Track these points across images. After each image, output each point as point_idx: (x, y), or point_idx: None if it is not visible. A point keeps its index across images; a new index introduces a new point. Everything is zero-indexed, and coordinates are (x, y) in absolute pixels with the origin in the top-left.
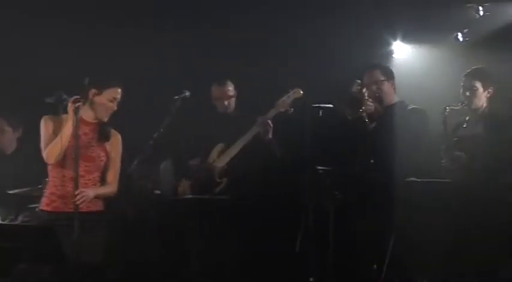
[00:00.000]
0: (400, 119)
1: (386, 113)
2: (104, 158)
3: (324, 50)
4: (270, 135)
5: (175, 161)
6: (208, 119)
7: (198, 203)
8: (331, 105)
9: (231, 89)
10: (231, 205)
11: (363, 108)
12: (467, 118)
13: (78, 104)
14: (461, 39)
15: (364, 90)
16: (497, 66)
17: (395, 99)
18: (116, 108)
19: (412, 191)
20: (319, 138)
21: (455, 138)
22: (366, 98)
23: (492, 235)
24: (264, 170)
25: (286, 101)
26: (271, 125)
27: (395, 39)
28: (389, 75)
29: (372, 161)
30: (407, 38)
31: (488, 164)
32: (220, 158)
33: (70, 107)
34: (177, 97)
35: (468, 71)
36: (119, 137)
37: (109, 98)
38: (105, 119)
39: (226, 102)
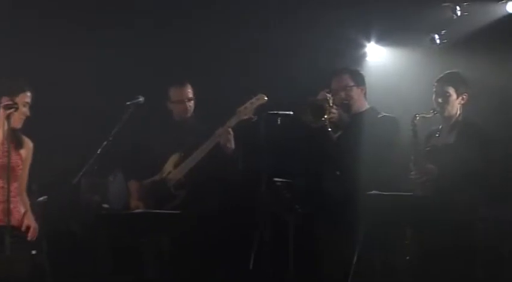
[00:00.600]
0: (370, 127)
1: (354, 121)
2: (21, 167)
3: (290, 52)
4: (232, 145)
5: (126, 172)
6: (163, 126)
7: (151, 218)
8: (290, 113)
9: (190, 91)
10: (186, 221)
11: (325, 116)
12: (440, 127)
13: (10, 111)
14: (438, 41)
15: (329, 96)
16: (476, 70)
17: (365, 106)
18: (28, 113)
19: (374, 204)
20: (278, 148)
21: (428, 148)
22: (331, 105)
23: (457, 252)
24: (224, 183)
25: (248, 108)
26: (232, 134)
27: (368, 41)
28: (359, 80)
29: (338, 172)
30: (381, 40)
31: (458, 178)
32: (176, 170)
33: (2, 114)
34: (129, 103)
35: (440, 76)
36: (31, 145)
37: (22, 103)
38: (19, 126)
39: (185, 106)
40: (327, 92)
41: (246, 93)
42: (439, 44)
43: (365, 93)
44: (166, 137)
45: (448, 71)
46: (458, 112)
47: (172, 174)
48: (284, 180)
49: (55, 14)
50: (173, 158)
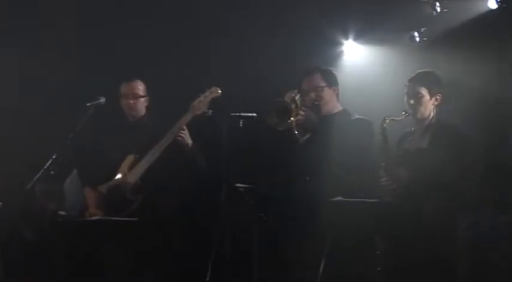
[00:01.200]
0: (341, 130)
1: (325, 123)
2: None
3: (260, 51)
4: (189, 142)
5: (82, 177)
6: (117, 128)
7: (107, 226)
8: (254, 114)
9: (141, 88)
10: (142, 228)
11: (292, 118)
12: (412, 129)
13: None
14: (417, 39)
15: (297, 97)
16: (457, 69)
17: (337, 108)
18: None
19: (339, 212)
20: (240, 151)
21: (400, 153)
22: (299, 106)
23: (432, 264)
24: (183, 184)
25: (202, 102)
26: (186, 130)
27: (346, 39)
28: (331, 80)
29: (307, 178)
30: (359, 38)
31: (432, 184)
32: (131, 172)
33: None
34: (89, 104)
35: (412, 75)
36: None
37: None
38: None
39: (134, 102)
40: (295, 93)
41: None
42: (419, 41)
43: (337, 94)
44: (119, 139)
45: (420, 70)
46: (432, 114)
47: (128, 178)
48: (247, 186)
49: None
50: (128, 161)
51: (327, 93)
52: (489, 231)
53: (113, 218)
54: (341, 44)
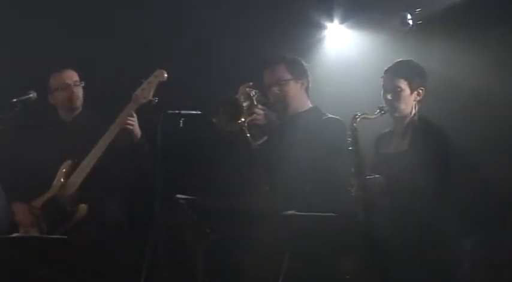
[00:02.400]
0: (309, 132)
1: (289, 123)
2: None
3: (218, 34)
4: (139, 133)
5: (8, 190)
6: (51, 127)
7: (35, 244)
8: (197, 112)
9: (74, 78)
10: (74, 246)
11: (242, 118)
12: (391, 129)
13: None
14: (410, 22)
15: (253, 93)
16: (458, 57)
17: (306, 105)
18: None
19: (293, 228)
20: (181, 156)
21: (377, 157)
22: (254, 103)
23: None
24: (133, 189)
25: (146, 89)
26: (135, 118)
27: (329, 21)
28: (298, 72)
29: (267, 188)
30: (345, 20)
31: (412, 194)
32: (70, 180)
33: None
34: (16, 100)
35: (389, 66)
36: None
37: None
38: None
39: (67, 93)
40: (250, 87)
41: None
42: (412, 25)
43: (307, 89)
44: (54, 141)
45: (399, 60)
46: (413, 111)
47: (66, 187)
48: (189, 197)
49: None
50: (64, 168)
51: (293, 87)
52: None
53: (37, 235)
54: (324, 27)
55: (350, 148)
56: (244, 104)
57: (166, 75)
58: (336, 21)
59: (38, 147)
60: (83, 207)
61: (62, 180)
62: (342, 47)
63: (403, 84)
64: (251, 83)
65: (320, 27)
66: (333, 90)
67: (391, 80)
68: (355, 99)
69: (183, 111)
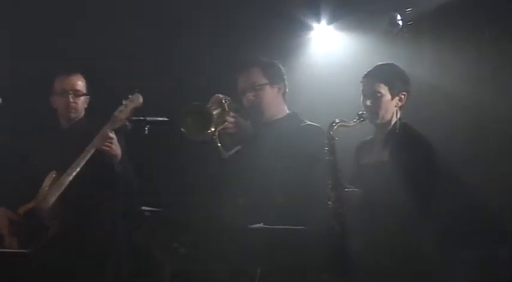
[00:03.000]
0: (283, 141)
1: (264, 131)
2: None
3: (199, 36)
4: (119, 154)
5: None
6: (47, 133)
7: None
8: (164, 119)
9: (82, 84)
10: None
11: (212, 128)
12: (372, 137)
13: None
14: (400, 23)
15: (225, 100)
16: (449, 59)
17: (282, 111)
18: None
19: (257, 240)
20: (145, 166)
21: (356, 168)
22: (226, 110)
23: None
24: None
25: (123, 112)
26: (115, 138)
27: (316, 22)
28: (274, 76)
29: (241, 201)
30: (333, 21)
31: (393, 207)
32: (50, 191)
33: None
34: None
35: (369, 70)
36: None
37: None
38: None
39: (73, 100)
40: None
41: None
42: (402, 26)
43: (283, 94)
44: (46, 150)
45: (380, 63)
46: (395, 118)
47: (46, 198)
48: (155, 209)
49: None
50: (50, 177)
51: (269, 92)
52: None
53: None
54: (310, 28)
55: (327, 158)
56: (215, 112)
57: (141, 100)
58: (324, 22)
59: (33, 153)
60: (57, 223)
61: (47, 190)
62: (329, 49)
63: (383, 89)
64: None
65: (306, 28)
66: (318, 94)
67: (370, 84)
68: (342, 105)
69: (148, 118)
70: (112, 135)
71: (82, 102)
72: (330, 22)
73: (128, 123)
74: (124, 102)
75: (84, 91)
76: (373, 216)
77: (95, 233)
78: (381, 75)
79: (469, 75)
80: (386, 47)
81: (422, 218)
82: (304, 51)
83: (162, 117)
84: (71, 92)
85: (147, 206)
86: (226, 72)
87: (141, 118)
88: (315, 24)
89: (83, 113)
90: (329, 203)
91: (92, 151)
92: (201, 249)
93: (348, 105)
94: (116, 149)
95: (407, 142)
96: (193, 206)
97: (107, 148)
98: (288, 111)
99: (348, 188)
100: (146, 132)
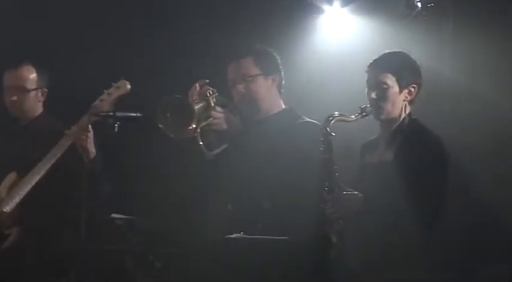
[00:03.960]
0: (278, 139)
1: (255, 129)
2: None
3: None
4: (93, 152)
5: None
6: (7, 131)
7: None
8: (137, 115)
9: (31, 77)
10: None
11: (193, 124)
12: (376, 136)
13: None
14: (419, 5)
15: (210, 92)
16: (475, 48)
17: (278, 106)
18: None
19: (234, 251)
20: (115, 168)
21: (360, 168)
22: (211, 104)
23: None
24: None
25: (105, 101)
26: (91, 132)
27: (329, 4)
28: (269, 66)
29: (229, 206)
30: (347, 3)
31: (397, 214)
32: (9, 196)
33: None
34: None
35: (374, 58)
36: None
37: None
38: None
39: (16, 98)
40: (204, 84)
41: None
42: (421, 9)
43: (279, 86)
44: (5, 149)
45: (388, 51)
46: (403, 114)
47: (4, 204)
48: (127, 217)
49: None
50: (8, 180)
51: (262, 84)
52: None
53: None
54: (321, 11)
55: (323, 156)
56: (198, 106)
57: (129, 86)
58: (337, 4)
59: None
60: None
61: (3, 195)
62: (342, 34)
63: (390, 81)
64: (207, 80)
65: (316, 10)
66: (326, 87)
67: (375, 75)
68: (354, 99)
69: (118, 113)
70: (90, 129)
71: (32, 98)
72: (343, 4)
73: (111, 113)
74: (106, 90)
75: (34, 86)
76: (369, 224)
77: (58, 242)
78: (388, 65)
79: (495, 69)
80: (401, 33)
81: (426, 231)
82: (312, 38)
83: (137, 112)
84: (13, 88)
85: (118, 213)
86: (220, 61)
87: (110, 113)
88: (326, 7)
89: (39, 110)
90: (325, 208)
91: (67, 145)
92: (179, 262)
93: (360, 99)
94: (91, 146)
95: (415, 141)
96: (172, 214)
97: (83, 142)
98: (283, 107)
99: (347, 192)
100: (116, 129)
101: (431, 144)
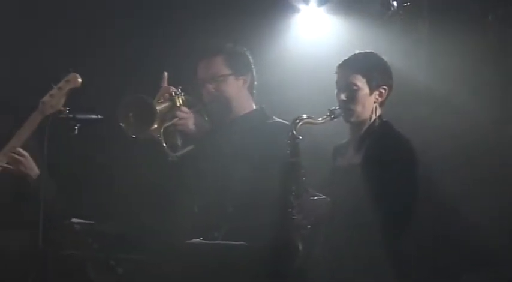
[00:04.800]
0: (247, 140)
1: (225, 129)
2: None
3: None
4: (34, 174)
5: None
6: None
7: None
8: (97, 117)
9: None
10: None
11: (155, 125)
12: (346, 140)
13: None
14: (395, 4)
15: (176, 92)
16: (453, 49)
17: (249, 106)
18: None
19: (196, 256)
20: (75, 171)
21: (329, 172)
22: (177, 105)
23: None
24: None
25: (56, 96)
26: (25, 156)
27: (305, 3)
28: (240, 66)
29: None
30: (324, 2)
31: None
32: None
33: None
34: None
35: (344, 59)
36: None
37: None
38: None
39: None
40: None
41: None
42: (398, 8)
43: (250, 87)
44: None
45: (358, 52)
46: (374, 116)
47: None
48: (87, 222)
49: None
50: None
51: (232, 85)
52: None
53: None
54: (297, 10)
55: (290, 160)
56: (161, 106)
57: (80, 80)
58: (313, 3)
59: None
60: None
61: None
62: (318, 34)
63: (360, 82)
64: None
65: (293, 9)
66: (301, 89)
67: (345, 76)
68: (329, 100)
69: (78, 115)
70: (23, 152)
71: None
72: (320, 3)
73: (63, 109)
74: (55, 85)
75: None
76: (337, 229)
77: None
78: (357, 66)
79: (471, 70)
80: (377, 33)
81: (393, 239)
82: (287, 37)
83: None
84: None
85: (78, 218)
86: (191, 60)
87: (70, 116)
88: (302, 6)
89: None
90: (293, 213)
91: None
92: (141, 268)
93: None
94: (29, 168)
95: (384, 144)
96: (133, 218)
97: (16, 168)
98: (254, 107)
99: (315, 196)
100: (76, 132)
101: (401, 147)
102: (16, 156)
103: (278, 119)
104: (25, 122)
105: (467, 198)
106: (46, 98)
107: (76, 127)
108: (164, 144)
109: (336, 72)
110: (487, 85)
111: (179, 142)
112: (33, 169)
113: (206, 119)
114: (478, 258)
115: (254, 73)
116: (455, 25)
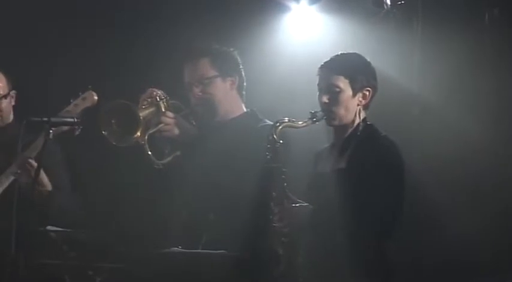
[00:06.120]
0: (236, 144)
1: (213, 133)
2: None
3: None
4: (47, 189)
5: None
6: None
7: None
8: (74, 120)
9: (1, 85)
10: None
11: (138, 132)
12: (330, 144)
13: None
14: (388, 2)
15: (160, 96)
16: (447, 48)
17: (239, 109)
18: None
19: (175, 265)
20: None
21: (314, 177)
22: (162, 109)
23: None
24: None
25: (72, 113)
26: (34, 166)
27: (296, 1)
28: (227, 67)
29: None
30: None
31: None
32: None
33: None
34: None
35: (326, 60)
36: None
37: None
38: None
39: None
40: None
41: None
42: (391, 7)
43: (238, 88)
44: None
45: (340, 53)
46: (357, 119)
47: None
48: (63, 229)
49: None
50: None
51: (219, 87)
52: None
53: None
54: (288, 9)
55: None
56: (145, 112)
57: (96, 97)
58: (304, 2)
59: None
60: None
61: None
62: (309, 33)
63: (343, 84)
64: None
65: (283, 8)
66: (295, 86)
67: (327, 78)
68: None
69: (53, 119)
70: (32, 163)
71: (6, 105)
72: (312, 2)
73: (77, 127)
74: (73, 101)
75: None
76: (319, 237)
77: None
78: (340, 67)
79: (465, 72)
80: (370, 31)
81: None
82: (278, 36)
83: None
84: None
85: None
86: (175, 64)
87: (44, 119)
88: (293, 4)
89: (11, 117)
90: (273, 221)
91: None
92: (119, 277)
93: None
94: (43, 184)
95: (369, 148)
96: (114, 225)
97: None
98: (245, 110)
99: (296, 203)
100: (51, 136)
101: (386, 151)
102: (27, 162)
103: (270, 122)
104: (37, 139)
105: (455, 204)
106: (62, 114)
107: (51, 131)
108: (149, 152)
109: (318, 74)
110: (482, 85)
111: (165, 149)
112: (48, 186)
113: (193, 123)
114: (463, 264)
115: (243, 74)
116: (449, 24)
